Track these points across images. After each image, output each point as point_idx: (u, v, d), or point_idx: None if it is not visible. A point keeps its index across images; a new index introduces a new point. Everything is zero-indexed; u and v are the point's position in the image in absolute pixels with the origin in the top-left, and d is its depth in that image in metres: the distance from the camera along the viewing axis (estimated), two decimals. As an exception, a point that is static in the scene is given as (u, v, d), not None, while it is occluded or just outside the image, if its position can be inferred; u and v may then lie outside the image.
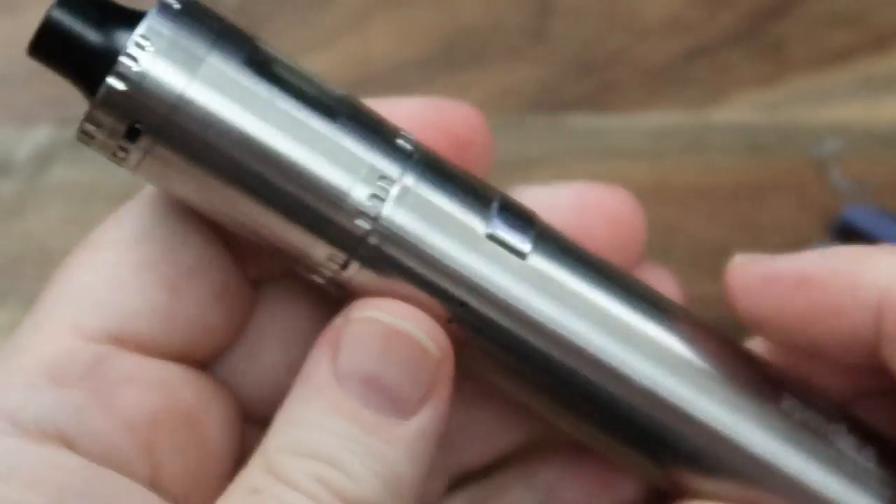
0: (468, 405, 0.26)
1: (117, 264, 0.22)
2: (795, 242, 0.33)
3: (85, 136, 0.20)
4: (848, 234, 0.33)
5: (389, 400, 0.21)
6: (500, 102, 0.35)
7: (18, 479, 0.20)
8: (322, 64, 0.33)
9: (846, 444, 0.23)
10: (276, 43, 0.33)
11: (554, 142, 0.34)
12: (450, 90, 0.34)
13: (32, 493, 0.20)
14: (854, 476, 0.23)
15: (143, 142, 0.20)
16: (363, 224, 0.21)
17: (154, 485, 0.22)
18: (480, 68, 0.35)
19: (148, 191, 0.23)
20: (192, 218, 0.22)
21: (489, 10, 0.36)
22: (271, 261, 0.23)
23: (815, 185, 0.34)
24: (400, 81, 0.34)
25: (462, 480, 0.28)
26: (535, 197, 0.25)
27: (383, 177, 0.21)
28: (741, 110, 0.36)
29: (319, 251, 0.21)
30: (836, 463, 0.23)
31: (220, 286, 0.23)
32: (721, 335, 0.24)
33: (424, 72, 0.35)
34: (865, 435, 0.24)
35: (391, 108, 0.23)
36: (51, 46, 0.20)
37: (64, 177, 0.31)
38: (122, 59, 0.19)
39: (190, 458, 0.22)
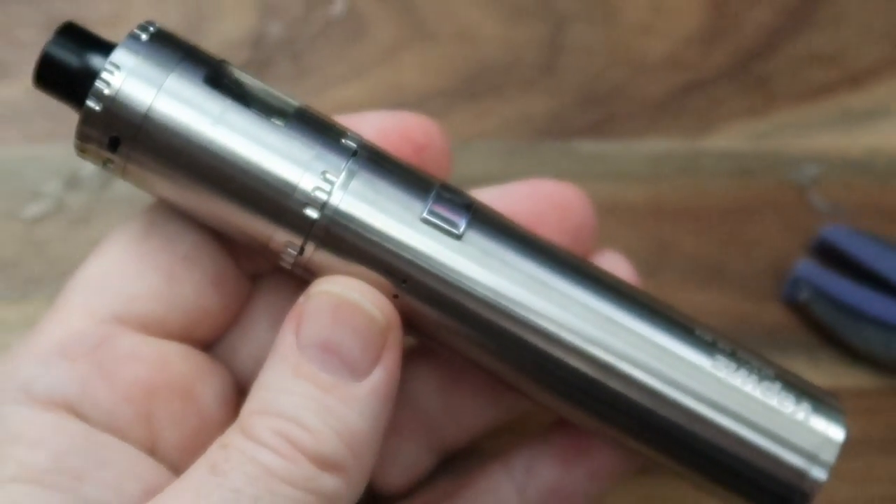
0: (446, 389, 0.27)
1: (123, 256, 0.23)
2: (777, 258, 0.34)
3: (80, 150, 0.21)
4: (825, 251, 0.33)
5: (343, 363, 0.21)
6: (515, 129, 0.35)
7: (26, 440, 0.21)
8: (357, 93, 0.35)
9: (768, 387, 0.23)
10: (316, 74, 0.36)
11: (562, 165, 0.35)
12: (470, 118, 0.35)
13: (36, 453, 0.20)
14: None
15: (123, 150, 0.21)
16: (312, 209, 0.21)
17: (153, 450, 0.22)
18: (498, 98, 0.36)
19: (152, 200, 0.24)
20: (187, 218, 0.23)
21: (506, 47, 0.36)
22: (263, 258, 0.23)
23: (796, 206, 0.35)
24: (426, 109, 0.31)
25: (447, 461, 0.28)
26: (498, 192, 0.25)
27: (328, 169, 0.21)
28: (730, 139, 0.36)
29: (280, 237, 0.21)
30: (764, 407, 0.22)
31: (215, 274, 0.24)
32: (643, 295, 0.23)
33: (448, 101, 0.35)
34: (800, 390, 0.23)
35: (363, 120, 0.24)
36: (48, 76, 0.21)
37: (125, 190, 0.30)
38: (97, 83, 0.20)
39: (187, 428, 0.23)
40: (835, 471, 0.27)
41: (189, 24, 0.35)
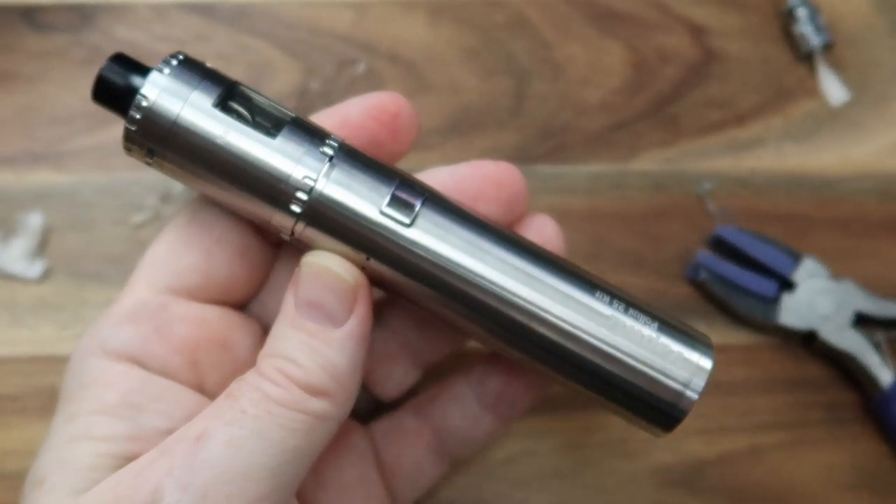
0: (421, 326, 0.28)
1: (172, 242, 0.24)
2: (683, 249, 0.36)
3: (127, 149, 0.22)
4: (718, 244, 0.36)
5: (325, 315, 0.22)
6: (491, 157, 0.34)
7: (102, 383, 0.22)
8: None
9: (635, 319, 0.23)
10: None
11: (527, 183, 0.30)
12: (458, 148, 0.37)
13: (109, 393, 0.22)
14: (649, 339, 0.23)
15: (159, 149, 0.22)
16: (301, 196, 0.22)
17: (201, 388, 0.23)
18: (478, 134, 0.37)
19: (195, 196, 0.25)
20: (220, 208, 0.24)
21: (484, 96, 0.38)
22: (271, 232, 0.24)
23: (697, 211, 0.37)
24: (427, 142, 0.37)
25: (426, 375, 0.29)
26: (447, 171, 0.26)
27: (315, 162, 0.22)
28: (648, 163, 0.37)
29: (279, 218, 0.22)
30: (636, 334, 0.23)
31: (243, 250, 0.24)
32: (560, 259, 0.23)
33: (443, 136, 0.37)
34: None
35: (352, 104, 0.25)
36: (102, 93, 0.22)
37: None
38: (137, 97, 0.21)
39: (225, 371, 0.24)
40: (724, 406, 0.32)
41: (253, 81, 0.37)
